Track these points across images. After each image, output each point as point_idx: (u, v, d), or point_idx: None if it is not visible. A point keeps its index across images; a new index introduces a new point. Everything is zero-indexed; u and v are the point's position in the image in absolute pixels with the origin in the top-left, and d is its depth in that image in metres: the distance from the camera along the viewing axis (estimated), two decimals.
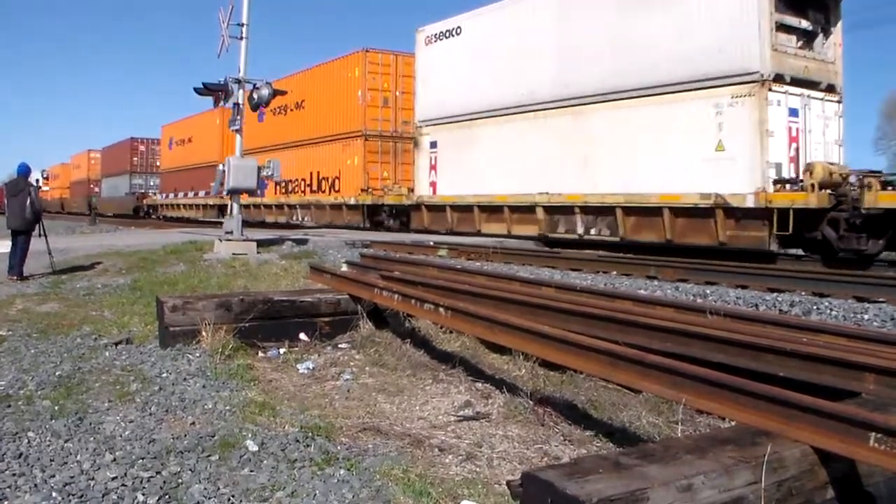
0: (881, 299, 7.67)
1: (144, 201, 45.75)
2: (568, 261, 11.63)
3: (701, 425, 3.95)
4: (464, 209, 18.50)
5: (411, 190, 20.89)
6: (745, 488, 2.30)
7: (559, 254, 12.60)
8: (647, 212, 13.94)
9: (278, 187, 28.12)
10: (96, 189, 56.59)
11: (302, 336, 6.22)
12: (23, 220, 10.95)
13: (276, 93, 14.01)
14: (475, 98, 18.03)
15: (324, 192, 25.32)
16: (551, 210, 16.03)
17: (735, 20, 12.54)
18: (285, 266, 11.27)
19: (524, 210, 16.69)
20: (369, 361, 5.68)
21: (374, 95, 23.05)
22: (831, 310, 7.13)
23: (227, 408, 4.28)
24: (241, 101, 13.63)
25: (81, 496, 3.03)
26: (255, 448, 3.57)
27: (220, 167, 13.50)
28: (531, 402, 4.33)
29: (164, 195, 41.95)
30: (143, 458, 3.42)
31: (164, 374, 5.04)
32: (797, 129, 12.65)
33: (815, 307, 7.27)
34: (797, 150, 12.66)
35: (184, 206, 38.17)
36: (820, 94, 13.03)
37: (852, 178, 11.75)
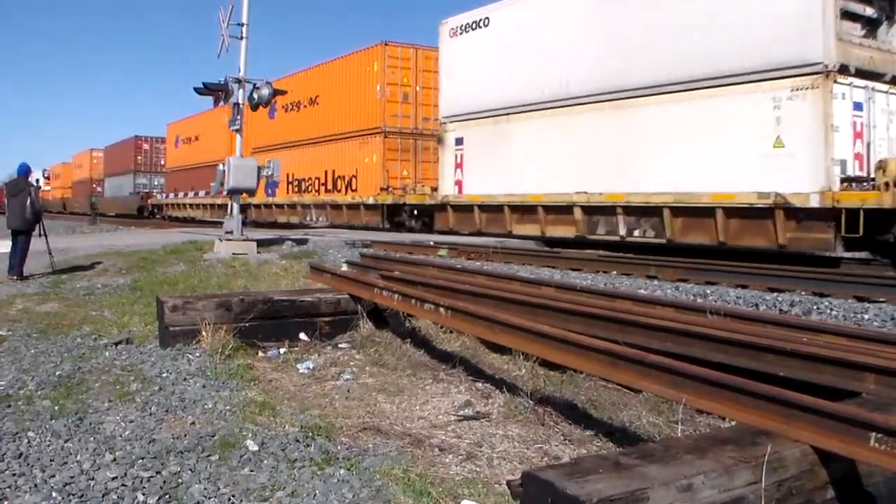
0: (881, 299, 7.67)
1: (149, 201, 45.04)
2: (568, 260, 11.63)
3: (701, 425, 3.95)
4: (493, 209, 17.38)
5: (435, 189, 19.83)
6: (745, 488, 2.29)
7: (559, 254, 12.59)
8: (697, 212, 12.98)
9: (291, 186, 27.41)
10: (99, 189, 56.10)
11: (302, 336, 6.22)
12: (23, 219, 10.96)
13: (276, 92, 14.01)
14: (505, 92, 16.94)
15: (339, 191, 24.43)
16: (590, 210, 15.02)
17: (796, 7, 11.64)
18: (285, 266, 11.27)
19: (560, 210, 15.62)
20: (369, 361, 5.68)
21: (393, 90, 22.19)
22: (831, 310, 7.13)
23: (227, 408, 4.28)
24: (241, 101, 13.63)
25: (81, 496, 3.03)
26: (256, 448, 3.57)
27: (220, 167, 13.52)
28: (531, 402, 4.33)
29: (169, 195, 41.22)
30: (143, 458, 3.42)
31: (164, 374, 5.04)
32: (861, 124, 11.77)
33: (815, 307, 7.27)
34: (862, 146, 11.76)
35: (190, 205, 37.32)
36: (884, 87, 12.12)
37: None
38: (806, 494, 2.47)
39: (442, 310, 5.04)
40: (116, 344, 5.96)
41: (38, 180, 47.97)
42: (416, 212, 21.38)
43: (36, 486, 3.14)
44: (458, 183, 18.60)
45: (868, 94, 11.89)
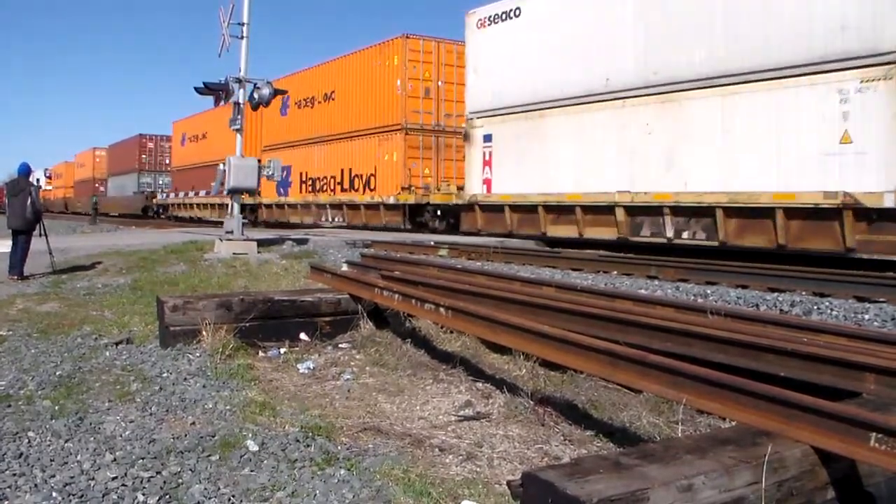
0: (881, 299, 7.66)
1: (154, 201, 44.27)
2: (569, 260, 11.62)
3: (701, 425, 3.95)
4: (526, 209, 16.40)
5: (461, 188, 18.88)
6: (745, 488, 2.29)
7: (560, 254, 12.57)
8: (753, 213, 12.14)
9: (304, 186, 26.46)
10: (102, 188, 55.47)
11: (302, 336, 6.23)
12: (23, 219, 10.97)
13: (276, 92, 14.00)
14: (539, 86, 16.00)
15: (357, 190, 23.42)
16: (633, 211, 14.14)
17: None
18: (286, 266, 11.28)
19: (600, 211, 14.73)
20: (370, 361, 5.68)
21: (414, 85, 21.19)
22: (832, 310, 7.13)
23: (228, 408, 4.28)
24: (241, 101, 13.64)
25: (82, 496, 3.03)
26: (256, 448, 3.57)
27: (221, 166, 13.52)
28: (532, 402, 4.33)
29: (175, 194, 40.21)
30: (143, 458, 3.43)
31: (165, 374, 5.04)
32: None
33: (815, 307, 7.27)
34: None
35: (197, 205, 36.39)
36: None
37: None
38: (806, 495, 2.46)
39: (442, 310, 5.04)
40: (117, 344, 5.96)
41: (38, 180, 47.70)
42: (439, 212, 20.48)
43: (36, 486, 3.14)
44: (487, 182, 17.63)
45: None
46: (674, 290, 8.60)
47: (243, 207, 28.80)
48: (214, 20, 13.63)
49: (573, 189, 15.20)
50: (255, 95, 13.63)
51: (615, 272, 10.60)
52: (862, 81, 10.89)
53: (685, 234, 13.33)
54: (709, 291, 8.37)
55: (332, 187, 24.97)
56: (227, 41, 13.45)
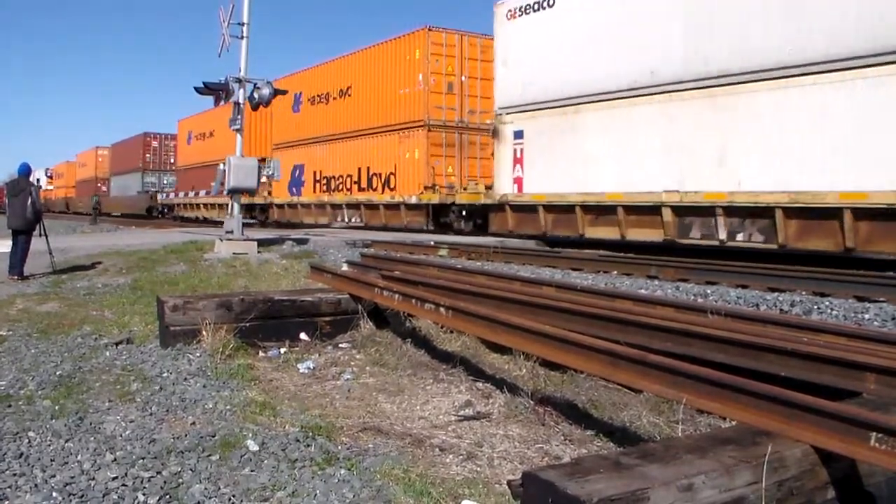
0: (881, 299, 7.66)
1: (159, 200, 43.19)
2: (569, 260, 11.62)
3: (701, 425, 3.95)
4: (562, 210, 15.37)
5: (489, 187, 17.88)
6: (745, 488, 2.29)
7: (560, 253, 12.57)
8: (817, 214, 11.21)
9: (318, 185, 25.39)
10: (104, 188, 54.51)
11: (302, 336, 6.23)
12: (24, 219, 10.97)
13: (276, 92, 14.02)
14: (575, 80, 14.98)
15: (375, 189, 22.32)
16: (682, 211, 13.17)
17: None
18: (286, 265, 11.28)
19: (644, 211, 13.69)
20: (370, 361, 5.68)
21: (437, 80, 20.13)
22: (832, 309, 7.13)
23: (228, 407, 4.28)
24: (241, 101, 13.66)
25: (82, 496, 3.03)
26: (256, 448, 3.57)
27: (221, 166, 13.53)
28: (532, 402, 4.33)
29: (181, 194, 38.97)
30: (143, 458, 3.43)
31: (165, 374, 5.04)
32: None
33: (815, 307, 7.27)
34: None
35: (203, 205, 35.00)
36: None
37: None
38: (806, 494, 2.46)
39: (442, 310, 5.04)
40: (117, 344, 5.96)
41: (38, 180, 47.54)
42: (465, 212, 19.41)
43: (36, 486, 3.14)
44: (518, 180, 16.51)
45: None
46: (674, 289, 8.60)
47: (253, 207, 28.50)
48: (214, 20, 13.66)
49: (614, 188, 14.18)
50: (255, 95, 13.65)
51: (615, 272, 10.60)
52: None
53: (740, 237, 12.41)
54: (709, 291, 8.37)
55: (348, 186, 23.91)
56: (227, 41, 13.47)
